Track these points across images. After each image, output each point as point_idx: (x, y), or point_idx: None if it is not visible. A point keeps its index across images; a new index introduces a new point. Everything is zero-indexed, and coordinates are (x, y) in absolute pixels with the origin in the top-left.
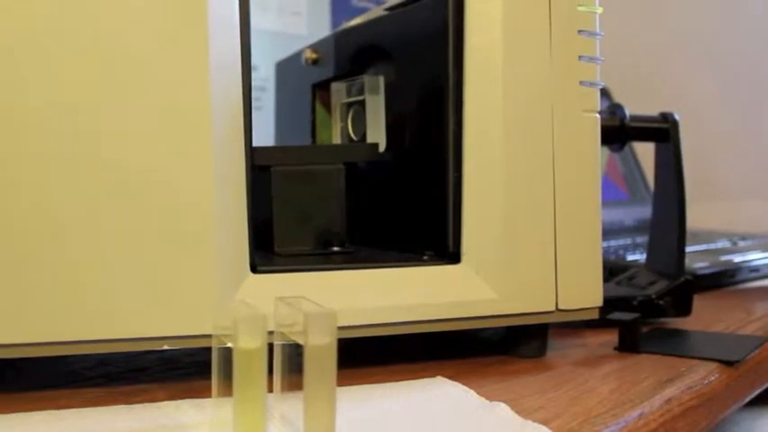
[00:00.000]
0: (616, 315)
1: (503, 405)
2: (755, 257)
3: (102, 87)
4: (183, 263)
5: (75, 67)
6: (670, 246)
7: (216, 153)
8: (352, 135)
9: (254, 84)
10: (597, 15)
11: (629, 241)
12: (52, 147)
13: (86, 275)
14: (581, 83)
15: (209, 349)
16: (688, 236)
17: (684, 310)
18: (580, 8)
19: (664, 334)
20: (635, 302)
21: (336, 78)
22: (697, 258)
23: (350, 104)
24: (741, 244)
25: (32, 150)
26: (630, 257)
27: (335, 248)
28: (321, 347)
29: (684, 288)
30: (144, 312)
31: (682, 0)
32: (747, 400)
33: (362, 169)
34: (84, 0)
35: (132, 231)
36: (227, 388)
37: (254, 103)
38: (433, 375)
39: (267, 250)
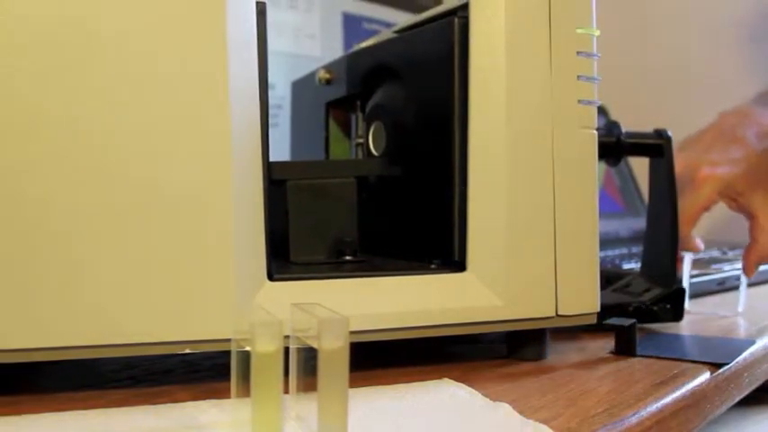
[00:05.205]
0: (613, 320)
1: (506, 405)
2: None
3: (125, 105)
4: (204, 271)
5: (99, 87)
6: (663, 255)
7: (235, 168)
8: (374, 150)
9: (270, 102)
10: (595, 37)
11: (624, 251)
12: (84, 162)
13: (114, 283)
14: (579, 101)
15: (228, 353)
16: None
17: (677, 315)
18: (579, 30)
19: (658, 338)
20: (630, 308)
21: (349, 97)
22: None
23: (370, 121)
24: (730, 254)
25: (67, 164)
26: (626, 266)
27: (348, 257)
28: (334, 351)
29: (677, 295)
30: (167, 318)
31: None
32: (736, 401)
33: (374, 183)
34: (108, 24)
35: (157, 242)
36: (245, 389)
37: (270, 121)
38: (440, 377)
39: (283, 259)
